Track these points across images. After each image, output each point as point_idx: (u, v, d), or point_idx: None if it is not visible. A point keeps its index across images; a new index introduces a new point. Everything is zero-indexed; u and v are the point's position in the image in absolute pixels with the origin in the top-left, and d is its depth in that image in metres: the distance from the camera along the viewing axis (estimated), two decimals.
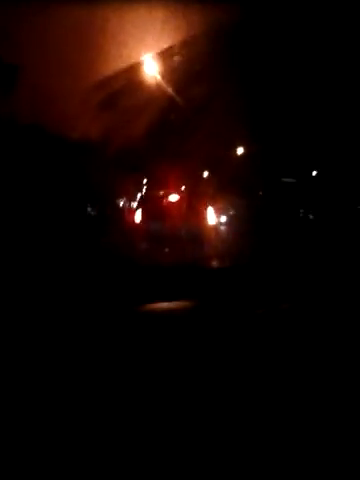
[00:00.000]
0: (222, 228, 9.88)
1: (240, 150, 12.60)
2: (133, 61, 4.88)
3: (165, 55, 5.12)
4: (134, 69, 5.31)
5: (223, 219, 10.69)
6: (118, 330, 2.14)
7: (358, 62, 6.19)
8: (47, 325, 2.15)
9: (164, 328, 2.18)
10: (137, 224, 7.55)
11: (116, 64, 4.65)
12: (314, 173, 12.22)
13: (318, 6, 4.39)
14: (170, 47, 4.75)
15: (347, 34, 5.29)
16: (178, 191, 8.39)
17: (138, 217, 7.61)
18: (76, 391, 1.65)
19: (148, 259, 5.68)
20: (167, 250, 6.40)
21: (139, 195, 10.73)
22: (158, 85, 5.80)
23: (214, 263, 6.18)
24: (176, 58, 5.22)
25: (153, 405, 1.59)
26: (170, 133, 7.54)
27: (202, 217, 7.52)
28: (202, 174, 12.64)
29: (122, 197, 11.67)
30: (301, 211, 10.56)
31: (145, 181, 12.56)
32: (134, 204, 10.07)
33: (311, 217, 10.40)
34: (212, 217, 7.66)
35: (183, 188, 9.25)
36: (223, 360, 1.89)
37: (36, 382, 1.68)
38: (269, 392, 1.69)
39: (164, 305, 2.50)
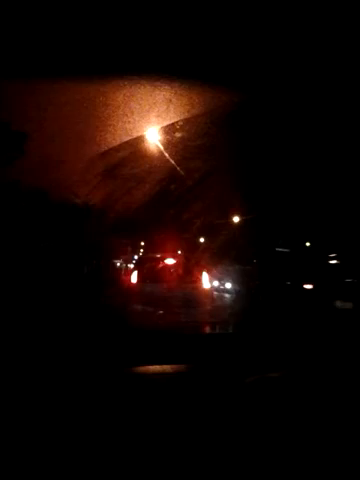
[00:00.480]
0: (216, 293, 9.93)
1: (236, 219, 12.99)
2: (136, 134, 5.13)
3: (167, 130, 5.42)
4: (137, 142, 5.57)
5: (218, 284, 10.77)
6: (108, 391, 2.16)
7: (345, 141, 6.63)
8: (40, 383, 2.19)
9: (152, 392, 2.20)
10: (133, 284, 7.57)
11: (120, 136, 4.90)
12: (308, 244, 12.52)
13: (309, 90, 4.74)
14: (172, 124, 5.03)
15: (336, 117, 5.69)
16: (174, 255, 8.51)
17: (134, 278, 7.65)
18: (66, 452, 1.66)
19: (142, 320, 5.70)
20: (161, 312, 6.41)
21: (136, 257, 10.86)
22: (159, 158, 6.07)
23: (207, 328, 6.17)
24: (178, 134, 5.49)
25: (142, 469, 1.61)
26: (169, 201, 7.80)
27: (197, 281, 7.56)
28: (199, 240, 12.89)
29: (120, 258, 11.80)
30: (294, 280, 10.69)
31: (143, 244, 12.76)
32: (131, 265, 10.19)
33: (305, 286, 10.53)
34: (207, 282, 7.71)
35: (179, 252, 9.40)
36: (210, 429, 1.89)
37: (25, 442, 1.70)
38: (258, 461, 1.68)
39: (155, 368, 2.51)
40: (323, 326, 4.18)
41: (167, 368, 2.48)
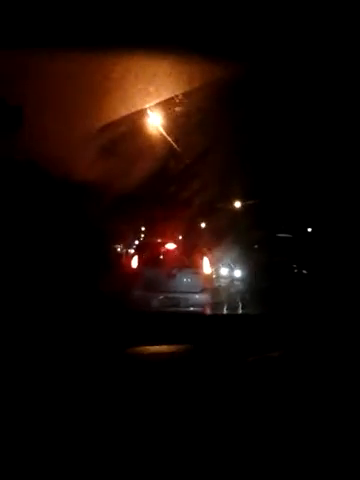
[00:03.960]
0: (217, 277, 9.92)
1: (237, 203, 12.90)
2: (135, 109, 4.98)
3: (167, 105, 5.28)
4: (136, 117, 5.45)
5: (219, 269, 10.76)
6: (109, 373, 2.12)
7: (350, 124, 6.49)
8: (39, 365, 2.14)
9: (153, 372, 2.16)
10: (133, 269, 7.54)
11: (118, 111, 4.76)
12: (309, 229, 12.46)
13: (315, 65, 4.60)
14: (172, 98, 4.90)
15: (341, 95, 5.54)
16: (175, 240, 8.46)
17: (135, 263, 7.62)
18: (67, 436, 1.61)
19: (142, 304, 5.67)
20: (162, 297, 6.39)
21: (136, 242, 10.85)
22: (159, 133, 5.96)
23: (208, 310, 6.16)
24: (177, 108, 5.37)
25: (144, 451, 1.57)
26: (169, 181, 7.67)
27: (198, 266, 7.53)
28: (199, 224, 12.84)
29: (120, 243, 11.79)
30: (294, 266, 10.66)
31: (143, 229, 12.71)
32: (131, 250, 10.17)
33: (304, 272, 10.50)
34: (207, 267, 7.67)
35: (180, 237, 9.35)
36: (212, 409, 1.86)
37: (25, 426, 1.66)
38: (259, 442, 1.63)
39: (155, 348, 2.47)
40: (322, 309, 4.14)
41: (168, 348, 2.44)
